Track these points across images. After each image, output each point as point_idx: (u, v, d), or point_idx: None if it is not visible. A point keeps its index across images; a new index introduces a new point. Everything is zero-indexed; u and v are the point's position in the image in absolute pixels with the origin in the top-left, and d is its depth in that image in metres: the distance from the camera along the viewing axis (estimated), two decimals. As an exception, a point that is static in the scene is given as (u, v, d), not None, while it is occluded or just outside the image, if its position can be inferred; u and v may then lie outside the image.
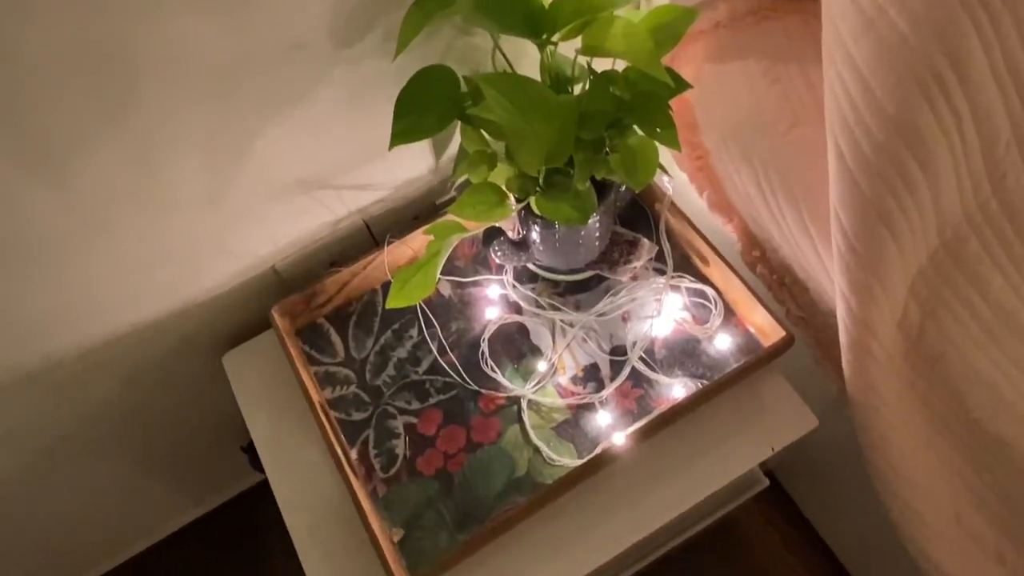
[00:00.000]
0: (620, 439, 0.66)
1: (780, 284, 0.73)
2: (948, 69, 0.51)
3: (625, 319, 0.75)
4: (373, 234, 0.82)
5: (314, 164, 0.71)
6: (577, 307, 0.76)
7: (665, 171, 0.67)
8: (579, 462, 0.67)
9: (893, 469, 0.61)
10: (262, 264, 0.78)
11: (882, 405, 0.60)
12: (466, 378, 0.73)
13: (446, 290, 0.79)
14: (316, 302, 0.78)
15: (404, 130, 0.59)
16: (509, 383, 0.73)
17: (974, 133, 0.54)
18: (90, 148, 0.55)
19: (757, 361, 0.68)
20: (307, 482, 0.71)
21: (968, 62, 0.51)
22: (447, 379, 0.74)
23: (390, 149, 0.60)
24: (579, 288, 0.77)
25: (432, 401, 0.73)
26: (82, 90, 0.52)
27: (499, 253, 0.75)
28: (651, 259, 0.77)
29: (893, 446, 0.60)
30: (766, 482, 0.89)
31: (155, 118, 0.56)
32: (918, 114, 0.51)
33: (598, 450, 0.67)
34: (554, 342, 0.75)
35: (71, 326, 0.70)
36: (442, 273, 0.77)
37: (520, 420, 0.71)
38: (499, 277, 0.78)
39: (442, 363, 0.74)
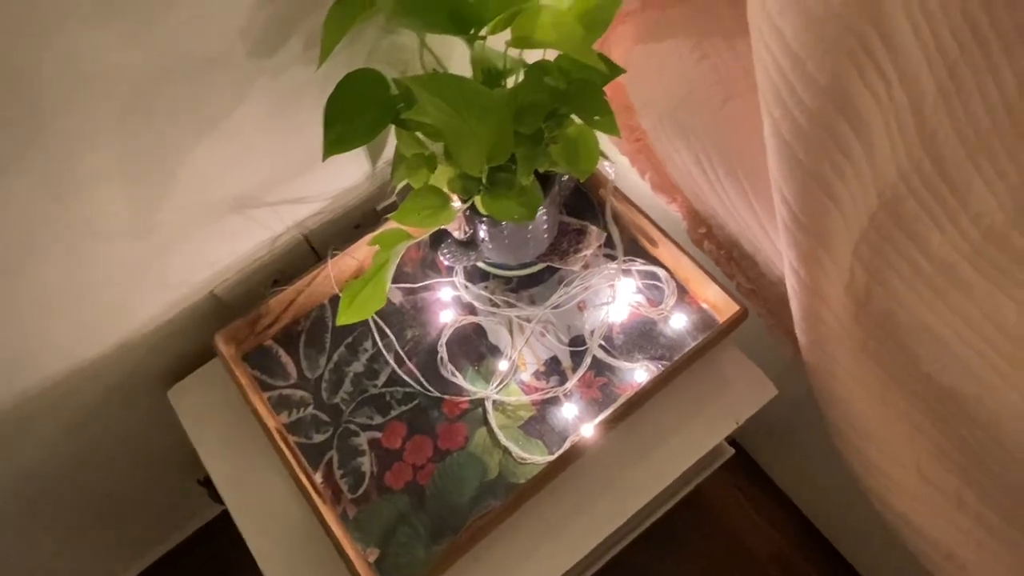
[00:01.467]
0: (588, 430, 0.66)
1: (728, 259, 0.74)
2: (874, 36, 0.52)
3: (581, 308, 0.75)
4: (315, 248, 0.79)
5: (245, 181, 0.67)
6: (532, 301, 0.76)
7: (606, 157, 0.67)
8: (550, 458, 0.67)
9: (853, 428, 0.63)
10: (200, 290, 0.75)
11: (837, 368, 0.61)
12: (427, 386, 0.72)
13: (397, 298, 0.77)
14: (262, 324, 0.75)
15: (336, 139, 0.57)
16: (471, 386, 0.71)
17: (903, 95, 0.55)
18: (-1, 183, 0.51)
19: (714, 337, 0.69)
20: (273, 512, 0.68)
21: (893, 28, 0.52)
22: (407, 389, 0.72)
23: (324, 160, 0.57)
24: (532, 282, 0.77)
25: (394, 413, 0.71)
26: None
27: (448, 256, 0.74)
28: (600, 245, 0.77)
29: (851, 406, 0.61)
30: (732, 451, 0.90)
31: (66, 145, 0.52)
32: (848, 82, 0.52)
33: (567, 444, 0.67)
34: (512, 339, 0.74)
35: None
36: (391, 280, 0.75)
37: (487, 422, 0.70)
38: (450, 279, 0.77)
39: (401, 373, 0.72)
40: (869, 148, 0.55)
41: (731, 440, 0.93)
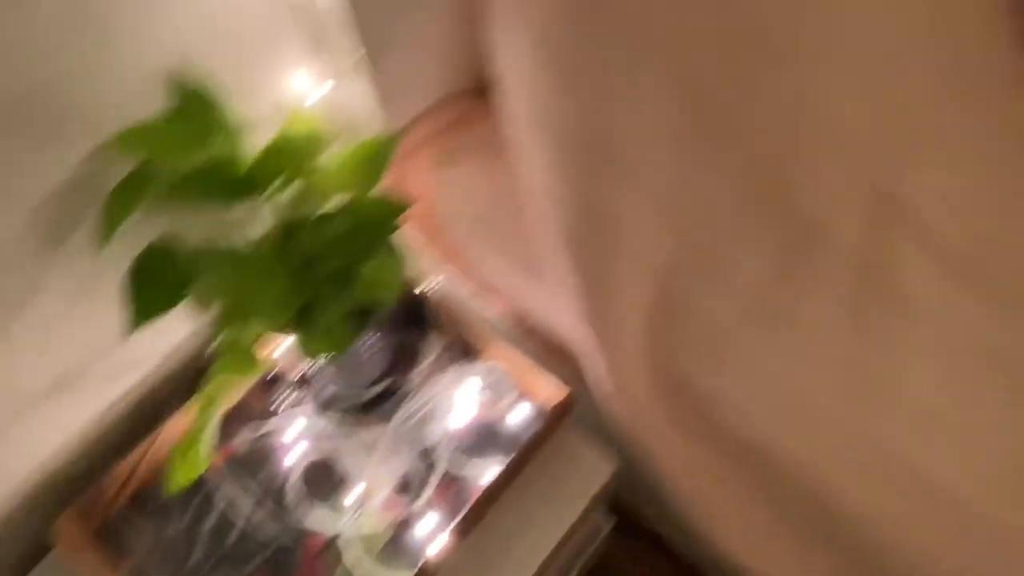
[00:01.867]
0: (441, 542, 0.68)
1: (551, 350, 0.79)
2: (606, 144, 0.59)
3: (426, 420, 0.78)
4: (152, 409, 0.78)
5: (62, 362, 0.67)
6: (381, 420, 0.78)
7: (415, 283, 0.71)
8: (410, 577, 0.68)
9: (679, 494, 0.67)
10: (33, 478, 0.72)
11: (652, 437, 0.66)
12: (283, 529, 0.72)
13: (244, 443, 0.77)
14: (106, 498, 0.73)
15: (138, 314, 0.58)
16: (326, 521, 0.72)
17: (644, 190, 0.63)
18: None
19: (548, 426, 0.73)
20: None
21: (620, 133, 0.60)
22: (264, 536, 0.71)
23: (127, 336, 0.59)
24: (375, 403, 0.79)
25: (253, 564, 0.70)
26: None
27: (284, 394, 0.75)
28: (437, 355, 0.81)
29: (675, 479, 0.66)
30: (611, 523, 0.94)
31: None
32: (589, 191, 0.59)
33: (421, 562, 0.68)
34: (363, 464, 0.75)
35: None
36: (235, 423, 0.76)
37: (345, 555, 0.70)
38: (294, 413, 0.78)
39: (256, 521, 0.72)
40: (631, 242, 0.63)
41: (617, 507, 0.96)
